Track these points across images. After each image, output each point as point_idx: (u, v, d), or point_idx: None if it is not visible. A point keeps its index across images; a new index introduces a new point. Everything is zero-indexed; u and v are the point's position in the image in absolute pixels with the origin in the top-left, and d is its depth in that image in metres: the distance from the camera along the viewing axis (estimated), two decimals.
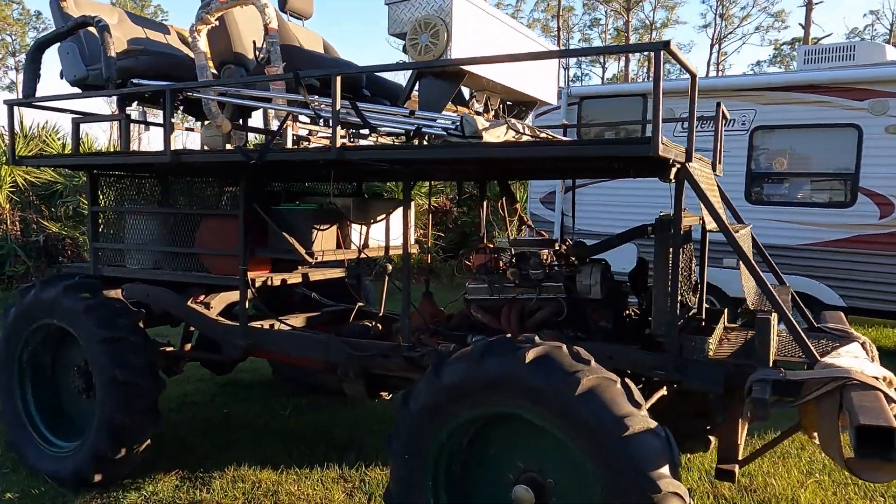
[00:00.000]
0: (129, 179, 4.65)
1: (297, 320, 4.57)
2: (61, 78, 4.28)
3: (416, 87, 3.49)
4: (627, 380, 2.55)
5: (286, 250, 3.91)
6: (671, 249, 3.03)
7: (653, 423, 2.42)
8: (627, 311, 3.65)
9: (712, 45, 34.16)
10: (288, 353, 4.00)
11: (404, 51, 4.42)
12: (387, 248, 4.47)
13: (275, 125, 4.06)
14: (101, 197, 4.56)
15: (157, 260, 4.43)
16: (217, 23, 3.75)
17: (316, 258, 3.86)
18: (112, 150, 12.88)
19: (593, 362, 2.56)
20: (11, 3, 40.78)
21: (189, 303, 4.26)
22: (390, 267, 4.29)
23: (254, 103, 3.53)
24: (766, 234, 7.69)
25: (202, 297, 4.42)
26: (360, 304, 4.74)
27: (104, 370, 3.67)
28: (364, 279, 5.30)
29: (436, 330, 3.89)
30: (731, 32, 33.19)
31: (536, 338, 2.67)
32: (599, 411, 2.40)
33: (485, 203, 4.59)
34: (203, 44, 3.78)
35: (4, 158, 11.42)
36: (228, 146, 4.30)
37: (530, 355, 2.54)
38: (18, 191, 11.63)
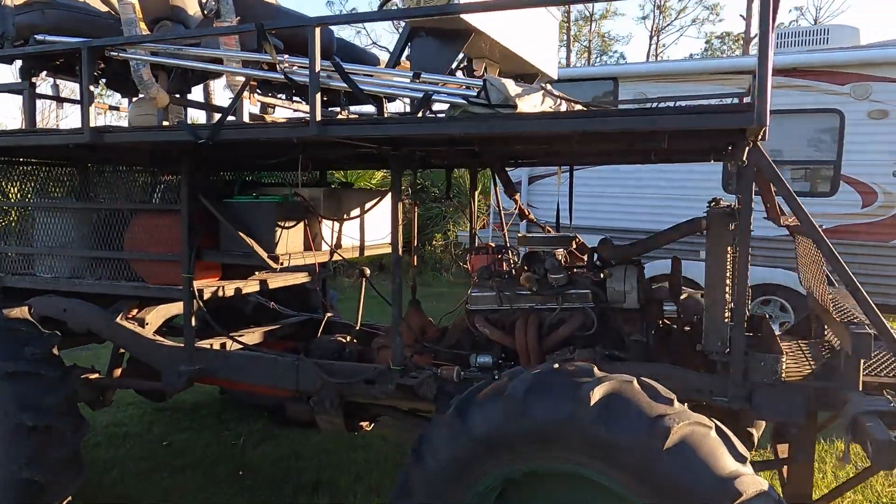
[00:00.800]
0: (38, 167, 3.76)
1: (253, 336, 3.80)
2: None
3: (408, 48, 2.80)
4: (719, 423, 1.96)
5: (243, 253, 3.15)
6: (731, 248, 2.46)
7: (764, 483, 1.83)
8: (663, 321, 3.07)
9: (651, 37, 34.48)
10: (247, 379, 3.25)
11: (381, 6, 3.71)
12: (362, 247, 3.75)
13: (225, 97, 3.27)
14: (1, 190, 3.67)
15: (76, 267, 3.58)
16: None
17: (281, 262, 3.11)
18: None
19: (676, 401, 1.95)
20: None
21: (118, 319, 3.44)
22: (368, 271, 3.59)
23: (202, 65, 2.75)
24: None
25: (134, 312, 3.60)
26: (328, 314, 4.01)
27: (7, 415, 2.81)
28: (328, 285, 4.55)
29: (429, 348, 3.22)
30: (668, 24, 33.55)
31: (595, 369, 2.04)
32: (697, 471, 1.79)
33: (475, 193, 3.93)
34: None
35: None
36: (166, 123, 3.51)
37: (596, 395, 1.90)
38: None
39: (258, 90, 2.98)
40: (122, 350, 3.72)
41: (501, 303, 3.02)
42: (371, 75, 2.43)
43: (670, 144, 2.60)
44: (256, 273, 3.73)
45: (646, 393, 1.94)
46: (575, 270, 3.09)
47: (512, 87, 2.13)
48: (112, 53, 2.76)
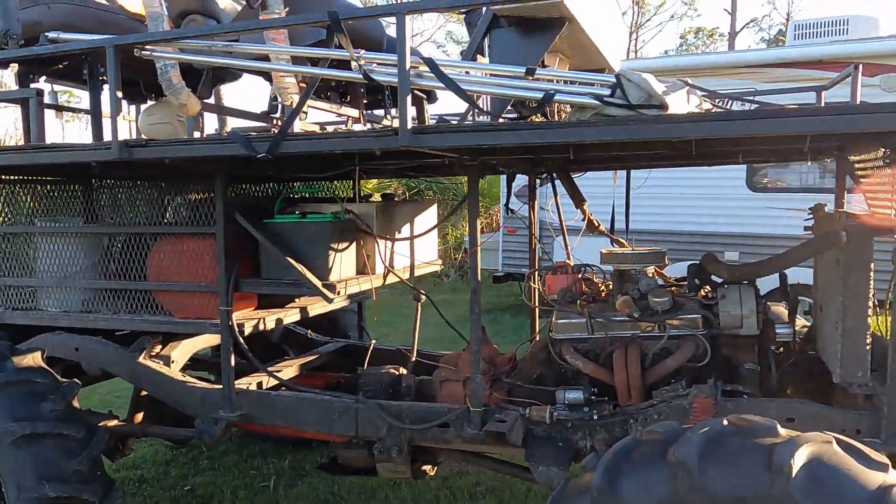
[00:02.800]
0: (37, 185, 3.29)
1: (291, 370, 3.38)
2: None
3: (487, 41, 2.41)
4: None
5: (291, 283, 2.72)
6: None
7: None
8: (777, 347, 2.71)
9: (630, 33, 34.43)
10: (297, 425, 2.83)
11: None
12: (412, 267, 3.34)
13: (234, 102, 2.85)
14: None
15: (88, 299, 3.13)
16: None
17: (338, 291, 2.69)
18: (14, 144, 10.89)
19: (891, 468, 1.59)
20: None
21: (141, 359, 3.00)
22: (423, 296, 3.18)
23: (254, 63, 2.32)
24: (769, 224, 7.09)
25: (158, 349, 3.17)
26: (373, 341, 3.60)
27: (24, 489, 2.35)
28: (364, 307, 4.13)
29: (504, 381, 2.83)
30: (647, 20, 33.51)
31: (779, 426, 1.66)
32: None
33: (534, 203, 3.54)
34: None
35: None
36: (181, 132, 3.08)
37: (797, 461, 1.53)
38: None
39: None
40: (143, 392, 3.27)
41: (593, 330, 2.64)
42: (467, 71, 2.03)
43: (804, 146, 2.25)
44: (296, 300, 3.30)
45: (853, 457, 1.57)
46: (674, 290, 2.72)
47: (655, 83, 1.76)
48: (144, 53, 2.32)
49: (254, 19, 2.44)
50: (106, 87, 3.21)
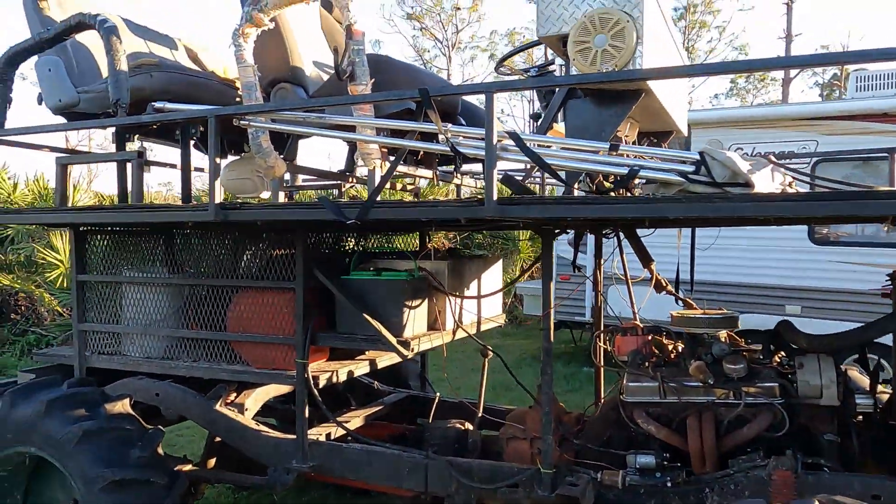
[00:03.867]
0: (125, 237, 3.48)
1: (357, 420, 3.44)
2: (39, 103, 3.14)
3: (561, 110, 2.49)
4: None
5: (366, 338, 2.81)
6: None
7: None
8: (857, 417, 2.65)
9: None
10: (367, 479, 2.88)
11: (498, 67, 3.44)
12: (479, 322, 3.39)
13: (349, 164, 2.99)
14: (89, 261, 3.40)
15: (170, 347, 3.27)
16: (271, 25, 2.69)
17: (412, 348, 2.76)
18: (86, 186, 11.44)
19: None
20: None
21: (218, 406, 3.11)
22: (491, 352, 3.23)
23: (340, 134, 2.45)
24: (831, 278, 6.93)
25: (232, 396, 3.28)
26: (438, 395, 3.64)
27: None
28: (427, 358, 4.19)
29: (573, 442, 2.83)
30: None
31: None
32: None
33: (600, 262, 3.57)
34: (250, 54, 2.70)
35: None
36: (266, 192, 3.23)
37: None
38: None
39: (390, 159, 2.69)
40: (217, 438, 3.37)
41: (665, 395, 2.63)
42: (548, 145, 2.10)
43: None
44: (365, 352, 3.38)
45: None
46: (746, 356, 2.69)
47: (739, 161, 1.80)
48: (242, 122, 2.48)
49: (340, 88, 2.60)
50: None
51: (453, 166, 3.46)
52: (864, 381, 2.71)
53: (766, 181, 1.83)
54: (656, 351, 2.87)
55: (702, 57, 33.30)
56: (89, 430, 2.59)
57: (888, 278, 2.82)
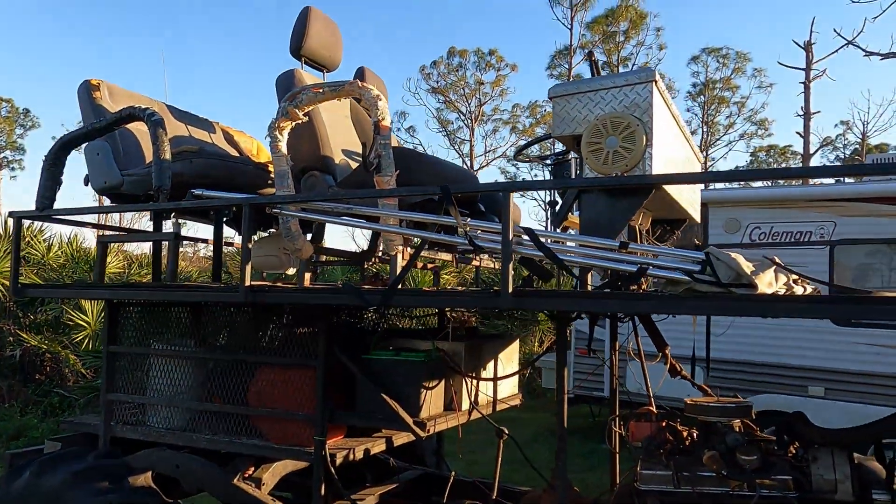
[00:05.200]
0: (154, 309, 3.62)
1: (372, 498, 3.46)
2: (86, 184, 3.36)
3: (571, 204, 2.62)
4: None
5: (384, 418, 2.87)
6: None
7: None
8: None
9: (700, 152, 34.85)
10: None
11: (517, 156, 3.61)
12: (494, 403, 3.44)
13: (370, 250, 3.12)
14: (120, 332, 3.53)
15: (192, 419, 3.35)
16: (305, 118, 2.89)
17: (428, 430, 2.82)
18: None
19: None
20: (0, 101, 40.60)
21: (236, 481, 3.15)
22: (506, 433, 3.26)
23: (368, 224, 2.60)
24: (855, 360, 6.84)
25: (251, 471, 3.32)
26: (453, 473, 3.65)
27: None
28: (443, 436, 4.21)
29: None
30: (717, 139, 33.89)
31: None
32: None
33: (616, 345, 3.63)
34: (284, 145, 2.90)
35: None
36: (291, 269, 3.38)
37: None
38: None
39: (410, 245, 2.82)
40: None
41: (679, 484, 2.64)
42: (561, 242, 2.22)
43: None
44: (382, 430, 3.43)
45: None
46: (762, 446, 2.70)
47: (743, 262, 1.89)
48: (274, 211, 2.65)
49: (366, 177, 2.77)
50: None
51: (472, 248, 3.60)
52: (882, 473, 2.69)
53: (770, 282, 1.91)
54: (670, 437, 2.89)
55: (721, 131, 33.81)
56: (114, 503, 2.65)
57: None
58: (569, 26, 25.47)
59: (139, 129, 3.51)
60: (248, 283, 2.58)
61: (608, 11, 26.29)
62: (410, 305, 2.34)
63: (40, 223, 13.51)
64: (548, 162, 3.54)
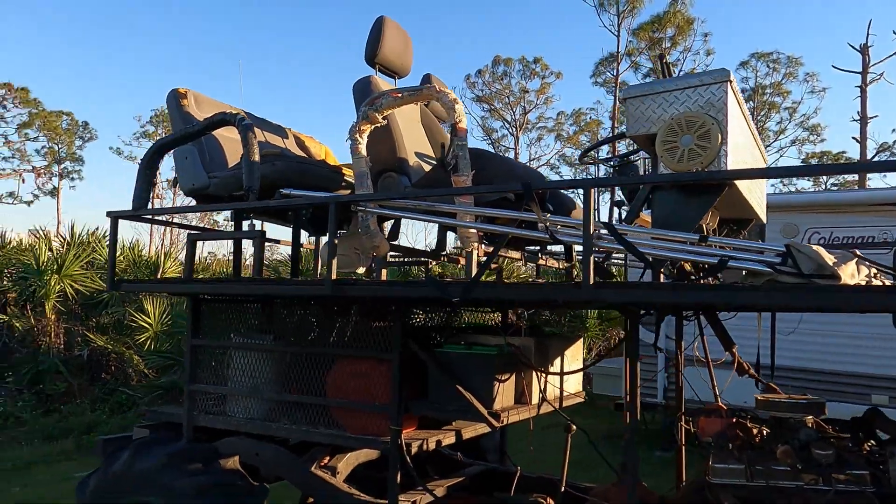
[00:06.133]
0: (234, 305, 3.82)
1: (441, 490, 3.57)
2: (174, 186, 3.59)
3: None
4: None
5: (458, 409, 2.98)
6: None
7: None
8: None
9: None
10: None
11: (582, 158, 3.68)
12: (561, 398, 3.52)
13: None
14: (202, 326, 3.73)
15: (271, 409, 3.51)
16: (384, 122, 3.04)
17: (502, 420, 2.92)
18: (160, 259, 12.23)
19: None
20: (61, 114, 42.40)
21: (313, 469, 3.30)
22: (574, 427, 3.33)
23: (439, 219, 2.73)
24: None
25: (326, 460, 3.47)
26: (518, 468, 3.74)
27: None
28: (507, 431, 4.30)
29: None
30: (768, 146, 33.17)
31: None
32: None
33: (681, 343, 3.66)
34: (364, 147, 3.05)
35: (55, 266, 10.85)
36: (361, 269, 3.52)
37: None
38: (65, 300, 10.95)
39: (485, 241, 2.93)
40: (310, 500, 3.56)
41: (752, 478, 2.67)
42: (639, 235, 2.30)
43: None
44: (452, 422, 3.54)
45: None
46: (834, 443, 2.72)
47: (825, 254, 1.94)
48: (358, 209, 2.79)
49: (441, 177, 2.89)
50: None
51: (538, 248, 3.69)
52: None
53: (852, 273, 1.95)
54: (741, 433, 2.92)
55: (770, 138, 33.08)
56: (206, 483, 2.83)
57: None
58: (616, 33, 25.35)
59: (222, 134, 3.72)
60: (334, 276, 2.73)
61: (654, 17, 26.09)
62: (491, 297, 2.44)
63: (104, 230, 14.07)
64: (613, 164, 3.61)
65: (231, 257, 3.55)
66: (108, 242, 3.27)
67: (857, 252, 2.07)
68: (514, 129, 29.65)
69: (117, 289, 3.47)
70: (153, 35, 60.94)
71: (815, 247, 1.97)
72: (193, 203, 3.58)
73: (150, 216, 3.42)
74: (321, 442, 3.32)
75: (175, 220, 4.39)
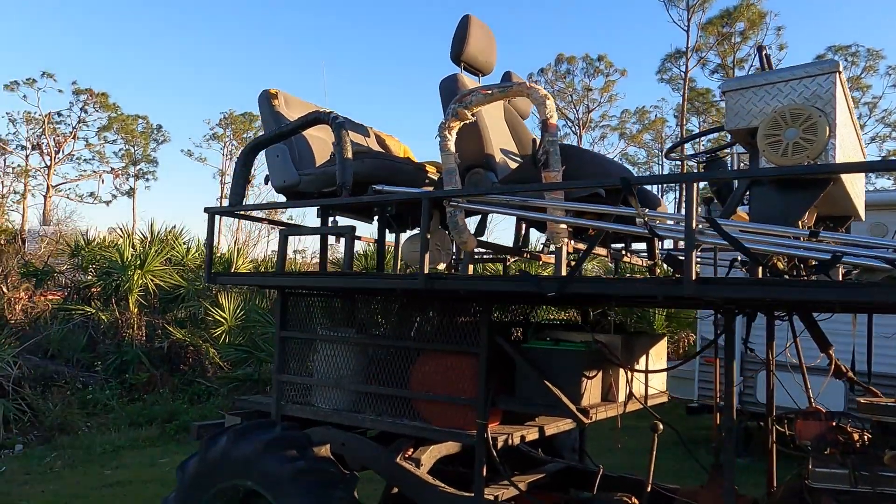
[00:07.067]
0: (320, 299, 3.92)
1: (521, 485, 3.57)
2: (266, 183, 3.71)
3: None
4: None
5: (546, 404, 2.99)
6: None
7: None
8: None
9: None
10: None
11: (668, 154, 3.63)
12: (646, 397, 3.47)
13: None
14: (290, 319, 3.85)
15: (356, 401, 3.60)
16: (473, 119, 3.07)
17: (591, 416, 2.91)
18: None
19: None
20: (137, 118, 44.38)
21: (398, 459, 3.36)
22: (661, 426, 3.28)
23: (532, 215, 2.74)
24: None
25: (410, 451, 3.53)
26: (601, 467, 3.71)
27: None
28: (586, 430, 4.27)
29: None
30: None
31: None
32: None
33: (772, 343, 3.56)
34: (453, 144, 3.09)
35: (138, 262, 11.38)
36: (442, 265, 3.55)
37: None
38: (146, 294, 11.48)
39: (573, 238, 2.93)
40: (394, 489, 3.64)
41: (856, 483, 2.58)
42: (746, 230, 2.26)
43: None
44: (535, 418, 3.55)
45: None
46: None
47: None
48: (452, 203, 2.84)
49: (530, 174, 2.90)
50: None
51: (622, 245, 3.66)
52: None
53: None
54: (840, 438, 2.82)
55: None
56: (301, 469, 2.93)
57: None
58: (686, 28, 24.72)
59: (309, 133, 3.83)
60: (426, 270, 2.78)
61: (723, 12, 25.32)
62: (587, 292, 2.44)
63: (180, 227, 14.63)
64: (700, 160, 3.54)
65: (318, 256, 3.67)
66: (204, 238, 3.42)
67: None
68: (577, 128, 29.30)
69: (214, 281, 3.63)
70: (223, 39, 63.10)
71: None
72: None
73: (244, 212, 3.56)
74: (406, 434, 3.38)
75: (270, 218, 4.55)
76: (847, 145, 2.63)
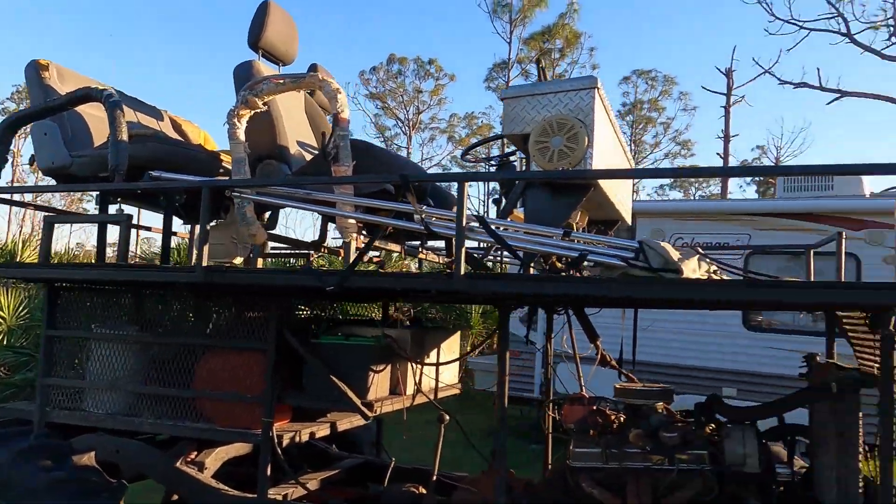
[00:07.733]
0: (96, 294, 3.58)
1: (314, 483, 3.54)
2: (30, 164, 3.32)
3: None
4: None
5: (333, 398, 2.97)
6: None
7: None
8: (779, 486, 2.92)
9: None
10: None
11: (464, 156, 3.79)
12: (437, 389, 3.59)
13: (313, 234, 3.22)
14: (59, 317, 3.48)
15: (132, 403, 3.34)
16: (265, 108, 2.98)
17: (375, 410, 2.94)
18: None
19: None
20: None
21: (179, 464, 3.17)
22: (447, 417, 3.41)
23: (326, 210, 2.71)
24: (764, 363, 7.39)
25: (193, 455, 3.34)
26: (393, 459, 3.77)
27: None
28: (383, 424, 4.33)
29: None
30: (644, 157, 35.26)
31: None
32: None
33: (551, 337, 3.85)
34: (242, 132, 2.97)
35: None
36: (239, 259, 3.43)
37: None
38: None
39: (363, 233, 2.95)
40: (175, 497, 3.42)
41: (607, 460, 2.86)
42: (509, 229, 2.40)
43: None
44: (327, 414, 3.52)
45: None
46: (682, 426, 2.96)
47: (672, 251, 2.12)
48: (234, 194, 2.72)
49: (322, 167, 2.87)
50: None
51: (419, 242, 3.75)
52: (784, 454, 3.00)
53: (694, 268, 2.15)
54: (600, 420, 3.11)
55: (647, 150, 35.27)
56: (58, 479, 2.65)
57: (804, 360, 3.16)
58: (508, 40, 26.07)
59: (87, 111, 3.49)
60: (205, 262, 2.64)
61: (545, 28, 27.07)
62: (366, 287, 2.46)
63: None
64: (493, 163, 3.74)
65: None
66: None
67: (699, 249, 2.27)
68: (407, 129, 29.75)
69: None
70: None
71: (663, 244, 2.15)
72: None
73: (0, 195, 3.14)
74: (188, 436, 3.20)
75: (37, 203, 4.07)
76: (608, 155, 2.91)
